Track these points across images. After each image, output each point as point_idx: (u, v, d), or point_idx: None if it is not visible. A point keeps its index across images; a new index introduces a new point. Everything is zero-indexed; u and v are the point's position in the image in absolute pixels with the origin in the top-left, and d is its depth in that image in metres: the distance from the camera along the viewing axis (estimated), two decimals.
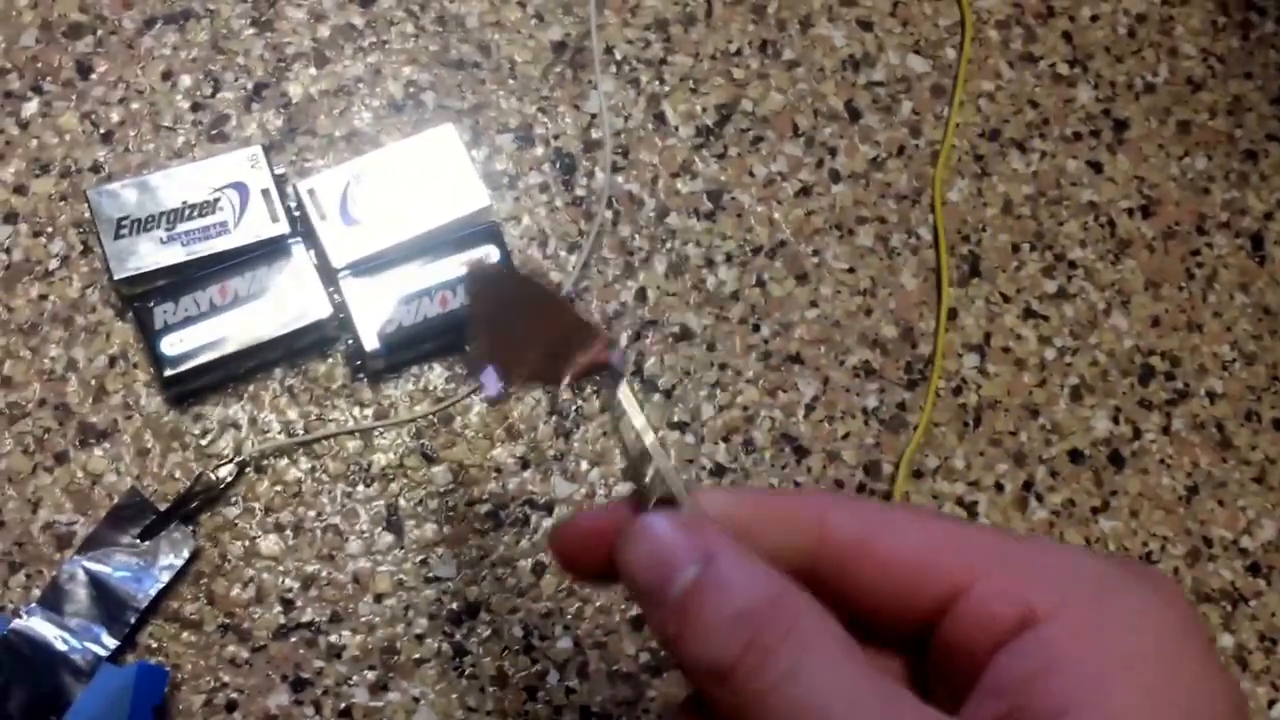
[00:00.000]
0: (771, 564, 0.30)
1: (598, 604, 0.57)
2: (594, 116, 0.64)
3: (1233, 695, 0.29)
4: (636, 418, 0.34)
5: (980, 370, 0.64)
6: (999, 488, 0.62)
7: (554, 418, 0.59)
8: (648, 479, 0.33)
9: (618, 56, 0.65)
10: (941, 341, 0.63)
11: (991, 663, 0.29)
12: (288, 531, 0.56)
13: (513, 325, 0.37)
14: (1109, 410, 0.64)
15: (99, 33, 0.61)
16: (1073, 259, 0.66)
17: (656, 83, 0.65)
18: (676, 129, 0.65)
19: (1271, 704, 0.60)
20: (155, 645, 0.54)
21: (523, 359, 0.36)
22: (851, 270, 0.64)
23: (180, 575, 0.55)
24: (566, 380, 0.35)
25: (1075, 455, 0.63)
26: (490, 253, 0.58)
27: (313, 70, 0.62)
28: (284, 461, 0.57)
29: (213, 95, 0.61)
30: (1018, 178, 0.67)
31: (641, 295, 0.62)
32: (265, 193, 0.57)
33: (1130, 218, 0.68)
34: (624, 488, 0.59)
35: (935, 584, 0.31)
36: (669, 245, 0.63)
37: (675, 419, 0.60)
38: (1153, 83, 0.70)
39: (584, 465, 0.59)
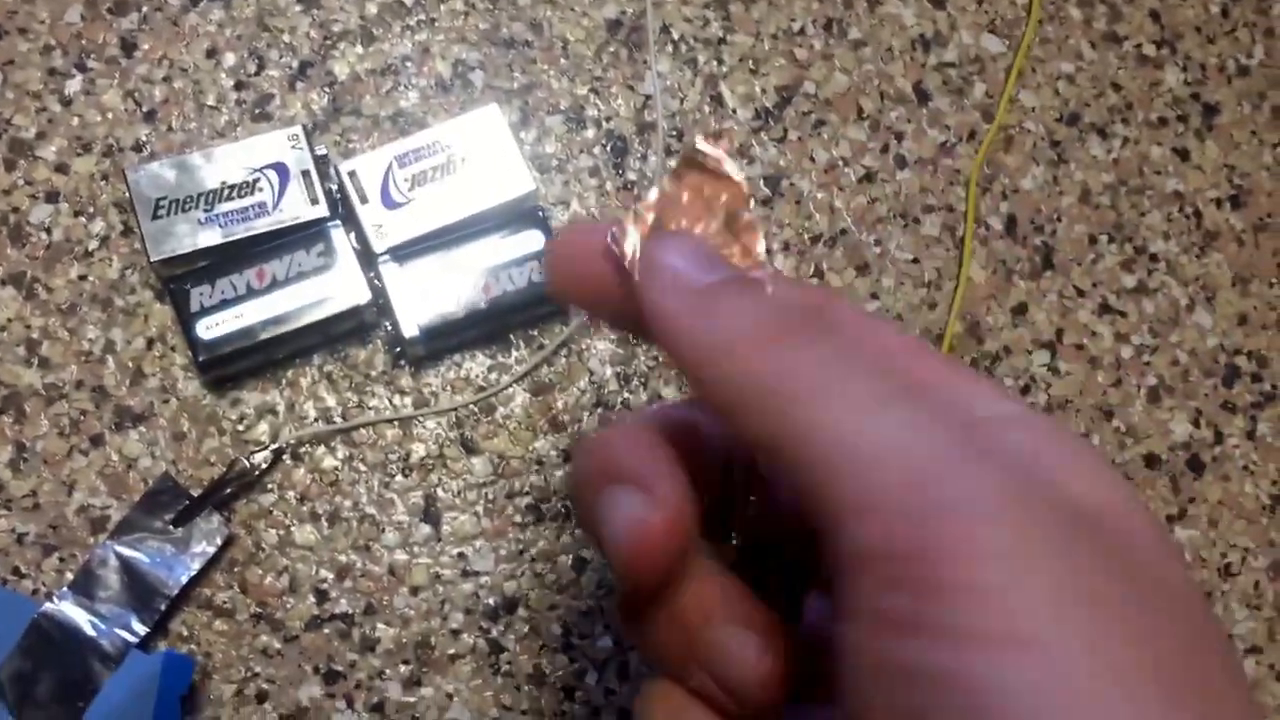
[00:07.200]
0: None
1: None
2: (648, 98, 0.61)
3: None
4: None
5: (1050, 368, 0.60)
6: None
7: (599, 409, 0.57)
8: None
9: (675, 35, 0.63)
10: (950, 328, 0.60)
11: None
12: (323, 521, 0.55)
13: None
14: (1189, 413, 0.61)
15: (144, 9, 0.60)
16: (1154, 251, 0.63)
17: (714, 63, 0.62)
18: (734, 111, 0.62)
19: None
20: (186, 633, 0.53)
21: None
22: (915, 261, 0.61)
23: (213, 563, 0.54)
24: None
25: (1151, 460, 0.60)
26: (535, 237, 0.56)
27: (359, 48, 0.60)
28: (321, 449, 0.56)
29: (257, 73, 0.60)
30: (1097, 165, 0.64)
31: None
32: (305, 174, 0.56)
33: (1218, 209, 0.64)
34: None
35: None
36: None
37: None
38: (1246, 65, 0.66)
39: None
